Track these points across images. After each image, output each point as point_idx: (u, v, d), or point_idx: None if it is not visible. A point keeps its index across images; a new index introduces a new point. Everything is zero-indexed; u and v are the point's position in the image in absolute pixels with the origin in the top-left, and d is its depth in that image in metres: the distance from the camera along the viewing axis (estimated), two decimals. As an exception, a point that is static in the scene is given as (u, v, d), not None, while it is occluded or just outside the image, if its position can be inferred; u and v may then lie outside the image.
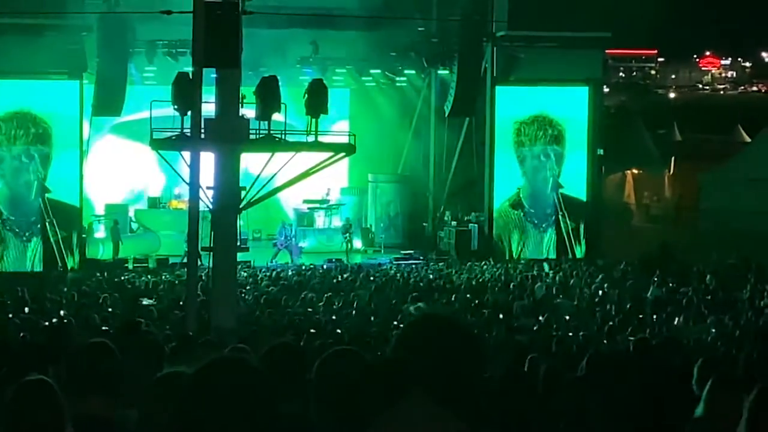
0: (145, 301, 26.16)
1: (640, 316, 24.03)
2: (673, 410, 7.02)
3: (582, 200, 40.88)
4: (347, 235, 40.88)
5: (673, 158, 53.87)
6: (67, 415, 4.78)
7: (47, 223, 36.36)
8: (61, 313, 23.12)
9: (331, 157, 25.86)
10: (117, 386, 5.53)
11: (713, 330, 20.74)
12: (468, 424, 3.40)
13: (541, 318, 23.52)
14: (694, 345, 17.44)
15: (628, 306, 25.85)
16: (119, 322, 17.73)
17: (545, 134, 40.82)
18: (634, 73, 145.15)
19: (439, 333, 3.58)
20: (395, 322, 21.83)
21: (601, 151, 41.97)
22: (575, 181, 41.16)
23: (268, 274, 33.95)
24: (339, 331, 20.23)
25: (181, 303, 24.41)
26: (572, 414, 8.10)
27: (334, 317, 23.65)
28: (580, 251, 40.40)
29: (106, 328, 17.87)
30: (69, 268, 35.68)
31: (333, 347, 5.74)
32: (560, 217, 40.71)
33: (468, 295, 28.36)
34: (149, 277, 33.40)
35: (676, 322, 22.93)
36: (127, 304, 25.30)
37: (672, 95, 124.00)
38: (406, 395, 3.34)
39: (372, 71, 43.30)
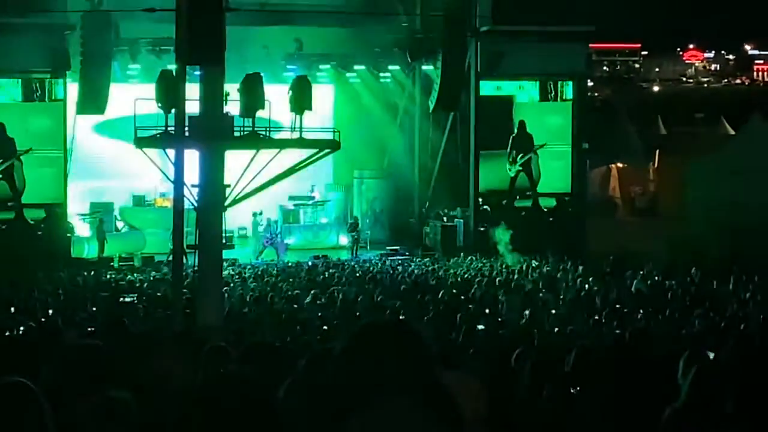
0: (127, 298, 26.13)
1: (625, 310, 24.08)
2: (659, 403, 7.03)
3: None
4: (354, 233, 40.89)
5: (657, 151, 53.96)
6: (49, 417, 4.73)
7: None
8: (50, 312, 23.12)
9: (315, 154, 25.87)
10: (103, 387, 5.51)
11: (698, 323, 20.77)
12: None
13: (526, 312, 23.54)
14: (679, 338, 17.48)
15: (613, 300, 25.89)
16: (104, 321, 17.72)
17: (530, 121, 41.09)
18: (618, 67, 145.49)
19: (375, 345, 3.58)
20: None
21: (585, 145, 42.03)
22: (559, 174, 41.25)
23: (253, 271, 33.95)
24: (325, 327, 20.27)
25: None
26: (559, 408, 8.12)
27: (319, 314, 23.65)
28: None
29: (92, 327, 17.84)
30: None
31: (318, 344, 5.74)
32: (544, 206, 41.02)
33: (454, 291, 28.37)
34: (135, 275, 33.35)
35: (661, 316, 22.97)
36: (113, 303, 25.27)
37: (656, 88, 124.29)
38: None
39: (356, 67, 43.27)
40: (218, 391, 3.58)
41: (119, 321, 13.10)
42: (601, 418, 7.32)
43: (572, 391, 8.25)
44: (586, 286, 28.91)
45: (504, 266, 34.45)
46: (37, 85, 37.25)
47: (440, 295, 27.56)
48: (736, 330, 17.98)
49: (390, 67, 43.52)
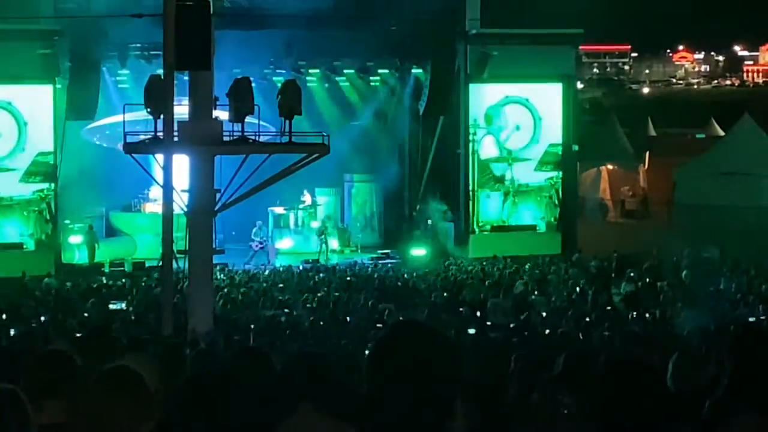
0: (117, 305, 26.09)
1: (616, 311, 24.10)
2: (647, 406, 7.02)
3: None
4: (323, 237, 40.80)
5: (647, 153, 53.98)
6: (34, 424, 4.74)
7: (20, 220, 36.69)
8: (42, 319, 23.08)
9: (305, 158, 25.83)
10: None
11: (689, 324, 20.78)
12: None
13: (517, 315, 23.55)
14: (669, 339, 17.48)
15: (604, 302, 25.91)
16: (89, 328, 17.69)
17: (521, 122, 41.02)
18: (608, 69, 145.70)
19: (414, 343, 3.56)
20: (373, 323, 21.84)
21: (575, 147, 42.03)
22: (549, 176, 41.30)
23: (244, 275, 33.93)
24: (316, 331, 20.27)
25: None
26: (548, 412, 8.10)
27: (311, 318, 23.64)
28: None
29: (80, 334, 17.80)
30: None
31: (305, 349, 5.73)
32: (535, 208, 40.92)
33: (445, 294, 28.38)
34: (125, 280, 33.30)
35: (651, 317, 22.99)
36: (103, 309, 25.26)
37: (646, 90, 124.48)
38: (297, 412, 3.33)
39: (346, 71, 43.24)
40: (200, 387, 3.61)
41: (102, 327, 13.10)
42: (591, 422, 7.31)
43: (561, 394, 8.23)
44: (577, 288, 28.94)
45: (495, 268, 34.44)
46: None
47: (431, 298, 27.60)
48: (726, 331, 17.97)
49: (380, 71, 43.47)
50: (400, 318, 21.21)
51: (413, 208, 43.46)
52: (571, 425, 7.58)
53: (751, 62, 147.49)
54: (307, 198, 42.60)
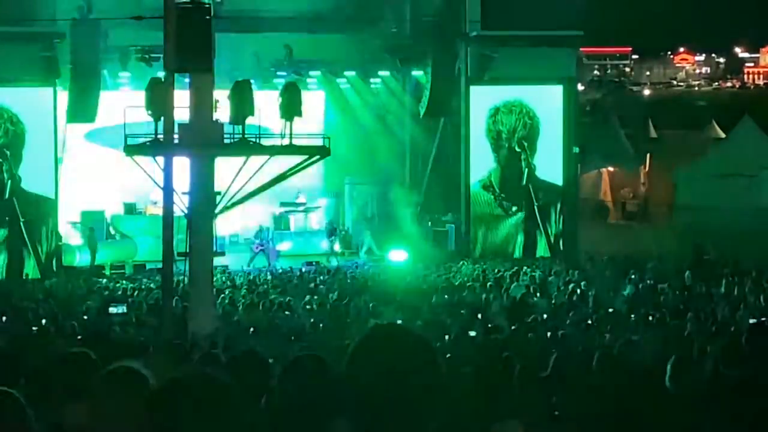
0: (118, 308, 26.07)
1: (617, 313, 24.07)
2: (645, 407, 7.03)
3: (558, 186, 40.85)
4: (333, 238, 40.82)
5: (648, 155, 54.01)
6: (35, 427, 4.74)
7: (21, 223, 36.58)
8: (43, 322, 23.08)
9: (305, 160, 25.86)
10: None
11: (689, 326, 20.76)
12: None
13: (518, 317, 23.51)
14: (670, 341, 17.47)
15: (605, 304, 25.88)
16: (90, 330, 17.71)
17: (522, 124, 40.77)
18: (609, 71, 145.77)
19: (389, 346, 3.56)
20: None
21: (576, 149, 42.00)
22: (550, 178, 41.22)
23: (245, 278, 33.92)
24: (316, 334, 20.25)
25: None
26: (544, 413, 8.12)
27: (312, 320, 23.62)
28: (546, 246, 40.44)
29: (80, 336, 17.81)
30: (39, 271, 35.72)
31: (302, 354, 5.72)
32: (535, 210, 40.76)
33: (445, 296, 28.35)
34: (126, 283, 33.31)
35: (652, 319, 22.96)
36: (103, 312, 25.24)
37: (646, 92, 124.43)
38: (331, 426, 3.33)
39: (346, 73, 43.25)
40: (178, 390, 3.58)
41: (103, 330, 13.12)
42: (588, 422, 7.32)
43: (551, 396, 8.26)
44: (578, 290, 28.90)
45: (496, 271, 34.41)
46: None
47: (432, 300, 27.55)
48: (726, 333, 17.98)
49: (380, 73, 43.47)
50: (398, 321, 21.23)
51: (414, 211, 43.42)
52: (559, 426, 7.59)
53: (752, 64, 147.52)
54: (302, 199, 42.55)
